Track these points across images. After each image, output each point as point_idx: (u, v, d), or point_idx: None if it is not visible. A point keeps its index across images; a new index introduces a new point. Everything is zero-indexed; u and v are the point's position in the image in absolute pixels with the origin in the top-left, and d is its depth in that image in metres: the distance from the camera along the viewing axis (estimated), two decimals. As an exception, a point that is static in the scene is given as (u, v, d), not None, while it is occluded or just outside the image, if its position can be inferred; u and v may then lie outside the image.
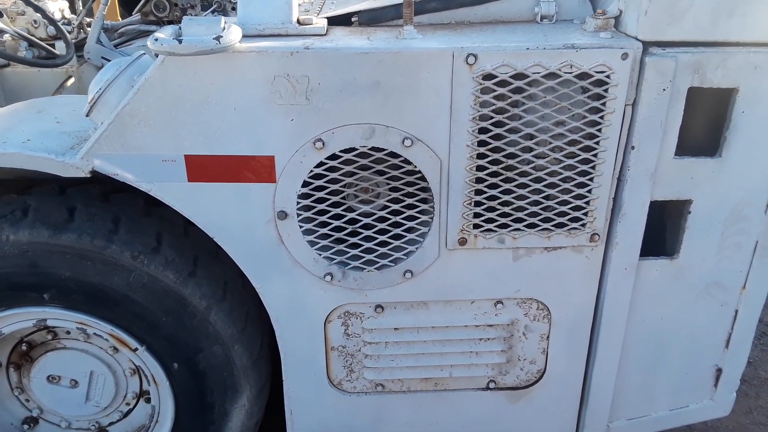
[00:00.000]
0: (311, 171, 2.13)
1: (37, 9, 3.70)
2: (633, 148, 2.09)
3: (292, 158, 2.09)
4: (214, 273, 2.39)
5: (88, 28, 4.11)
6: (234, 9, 4.21)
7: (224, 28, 1.89)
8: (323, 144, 2.07)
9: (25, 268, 2.17)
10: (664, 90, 2.00)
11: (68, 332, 2.43)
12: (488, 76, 2.00)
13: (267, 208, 2.18)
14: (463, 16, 2.31)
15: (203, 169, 2.10)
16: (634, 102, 2.05)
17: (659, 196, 2.20)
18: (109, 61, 3.22)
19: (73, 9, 4.44)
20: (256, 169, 2.11)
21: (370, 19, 2.30)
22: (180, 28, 1.91)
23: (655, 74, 1.98)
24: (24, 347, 2.46)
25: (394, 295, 2.37)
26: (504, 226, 2.25)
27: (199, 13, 4.21)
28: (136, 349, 2.36)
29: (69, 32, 3.88)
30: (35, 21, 3.83)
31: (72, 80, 3.89)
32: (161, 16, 4.14)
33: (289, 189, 2.14)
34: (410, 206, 2.25)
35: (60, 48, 3.81)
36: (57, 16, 3.92)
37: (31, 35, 3.78)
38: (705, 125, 2.16)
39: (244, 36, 1.98)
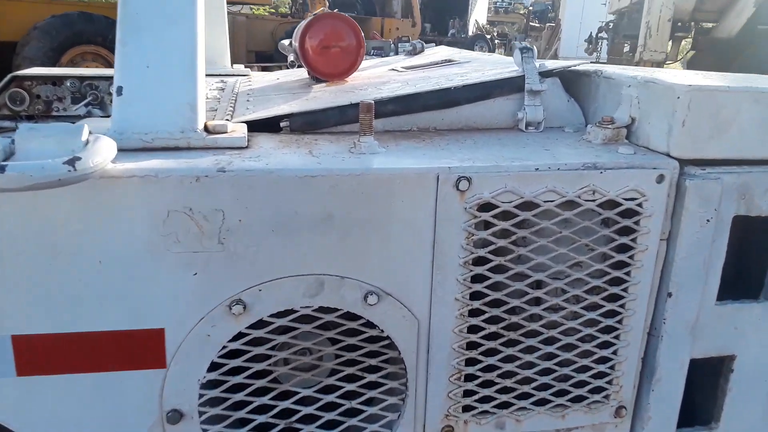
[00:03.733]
0: (224, 348, 1.38)
1: None
2: (670, 295, 1.56)
3: (194, 331, 1.35)
4: None
5: None
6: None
7: (86, 143, 1.17)
8: (244, 307, 1.35)
9: None
10: (708, 221, 1.50)
11: None
12: (485, 206, 1.42)
13: (150, 408, 1.39)
14: (428, 121, 1.76)
15: (43, 355, 1.29)
16: (670, 236, 1.53)
17: (699, 353, 1.66)
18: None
19: None
20: (134, 351, 1.34)
21: (306, 124, 1.67)
22: (12, 141, 1.17)
23: (697, 201, 1.49)
24: None
25: None
26: (505, 405, 1.60)
27: (68, 107, 3.39)
28: None
29: None
30: None
31: None
32: (18, 110, 3.28)
33: (188, 376, 1.38)
34: (371, 385, 1.55)
35: None
36: None
37: None
38: (745, 261, 1.69)
39: (121, 150, 1.27)
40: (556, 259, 1.51)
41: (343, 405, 1.53)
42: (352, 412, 1.62)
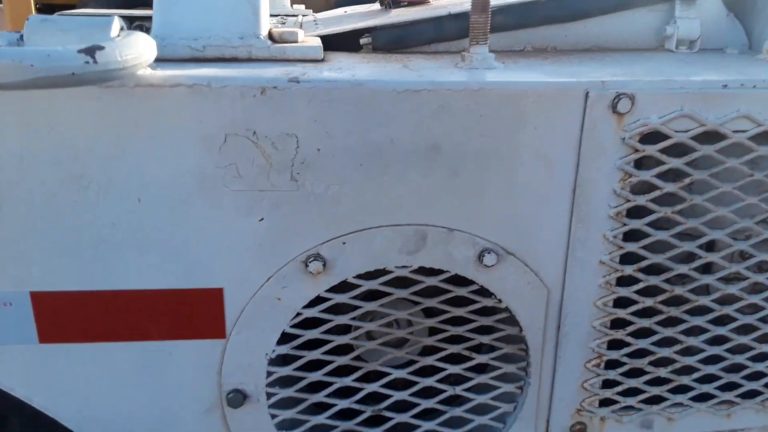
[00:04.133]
0: (297, 315, 1.08)
1: None
2: None
3: (261, 293, 1.05)
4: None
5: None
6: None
7: (116, 36, 0.87)
8: (323, 264, 1.03)
9: None
10: None
11: None
12: (650, 137, 1.02)
13: (206, 388, 1.11)
14: (546, 38, 1.34)
15: (71, 317, 1.03)
16: None
17: None
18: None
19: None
20: (185, 316, 1.06)
21: (394, 40, 1.30)
22: (20, 36, 0.88)
23: None
24: None
25: None
26: (655, 400, 1.23)
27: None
28: None
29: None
30: None
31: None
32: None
33: (253, 349, 1.09)
34: (481, 368, 1.22)
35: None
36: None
37: None
38: None
39: (161, 59, 0.96)
40: (740, 212, 1.10)
41: (444, 391, 1.21)
42: (456, 401, 1.30)
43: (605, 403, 1.23)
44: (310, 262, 1.03)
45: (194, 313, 1.05)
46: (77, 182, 0.95)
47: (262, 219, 1.00)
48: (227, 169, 0.96)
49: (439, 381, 1.20)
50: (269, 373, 1.12)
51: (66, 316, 1.02)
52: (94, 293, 1.02)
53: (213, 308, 1.05)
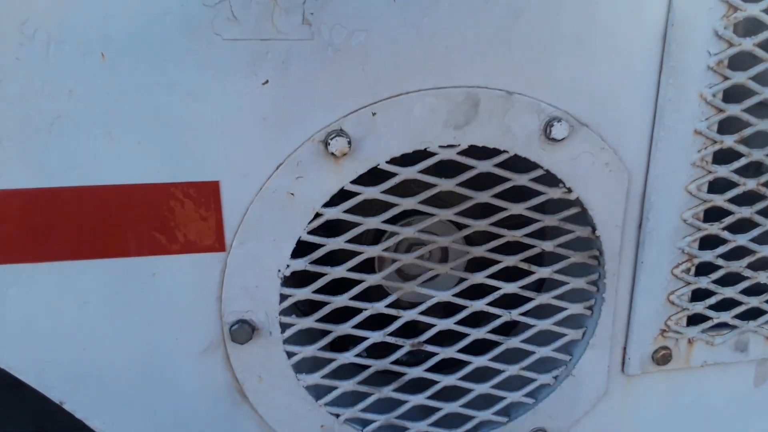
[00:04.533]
0: (316, 216, 0.84)
1: None
2: None
3: (269, 186, 0.81)
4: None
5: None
6: None
7: None
8: (349, 143, 0.79)
9: None
10: None
11: None
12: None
13: (202, 320, 0.87)
14: None
15: (19, 228, 0.78)
16: None
17: None
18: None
19: None
20: (170, 223, 0.81)
21: None
22: None
23: None
24: None
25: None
26: (755, 313, 1.01)
27: None
28: None
29: None
30: None
31: None
32: None
33: (261, 265, 0.85)
34: (539, 285, 0.99)
35: None
36: None
37: None
38: None
39: None
40: None
41: (497, 317, 0.98)
42: (512, 329, 1.07)
43: (694, 320, 1.01)
44: (331, 140, 0.79)
45: (183, 218, 0.81)
46: (19, 31, 0.70)
47: (267, 82, 0.76)
48: (218, 7, 0.72)
49: (491, 304, 0.97)
50: (283, 297, 0.88)
51: (13, 226, 0.77)
52: (48, 192, 0.77)
53: (207, 210, 0.81)
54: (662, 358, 1.01)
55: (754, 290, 1.00)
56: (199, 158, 0.78)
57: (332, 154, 0.79)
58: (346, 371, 1.02)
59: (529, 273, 0.96)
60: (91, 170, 0.77)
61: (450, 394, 1.02)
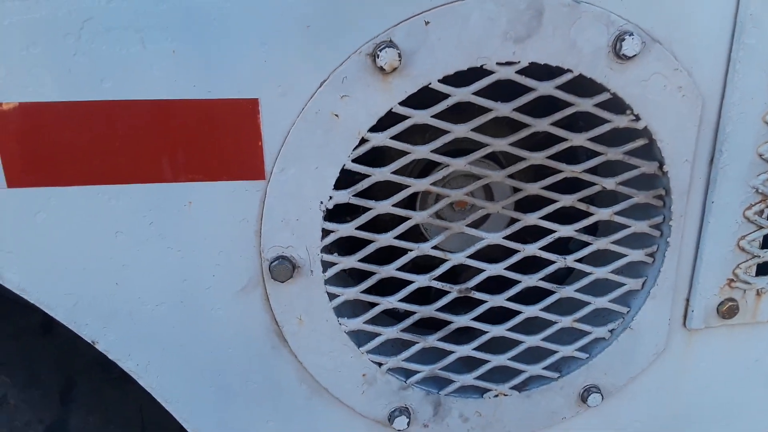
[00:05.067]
0: (362, 142, 0.78)
1: None
2: None
3: (311, 107, 0.75)
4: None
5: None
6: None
7: None
8: (399, 56, 0.73)
9: None
10: None
11: None
12: None
13: (239, 255, 0.81)
14: None
15: (47, 147, 0.73)
16: None
17: None
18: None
19: None
20: (205, 145, 0.76)
21: None
22: None
23: None
24: None
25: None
26: (832, 264, 0.93)
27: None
28: None
29: None
30: None
31: None
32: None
33: (303, 196, 0.79)
34: (595, 229, 0.92)
35: None
36: None
37: None
38: None
39: None
40: None
41: (550, 263, 0.91)
42: (566, 278, 1.00)
43: (764, 269, 0.93)
44: (380, 52, 0.72)
45: (219, 140, 0.75)
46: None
47: (313, -13, 0.70)
48: None
49: (544, 249, 0.90)
50: (325, 233, 0.82)
51: (39, 144, 0.72)
52: (77, 106, 0.72)
53: (245, 131, 0.75)
54: (728, 310, 0.93)
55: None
56: (236, 72, 0.73)
57: (381, 68, 0.73)
58: (389, 320, 0.96)
59: (587, 215, 0.89)
60: (123, 83, 0.71)
61: (498, 346, 0.95)
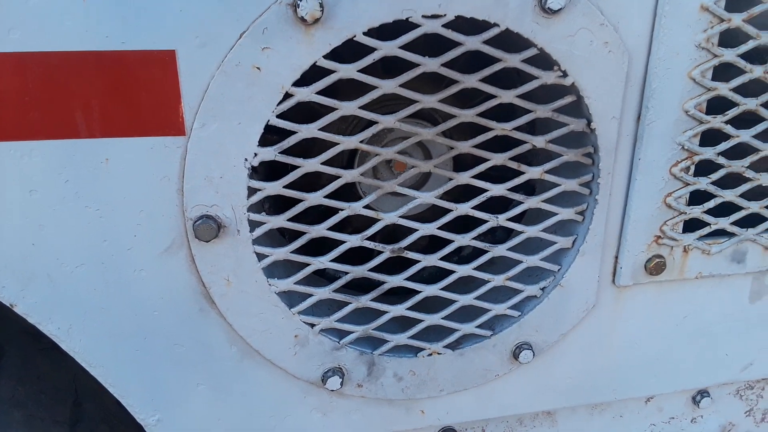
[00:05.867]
0: (287, 97, 0.76)
1: None
2: None
3: (230, 59, 0.72)
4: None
5: None
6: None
7: None
8: (321, 4, 0.71)
9: None
10: None
11: None
12: None
13: (162, 214, 0.79)
14: None
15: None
16: None
17: None
18: None
19: None
20: (121, 99, 0.72)
21: None
22: None
23: None
24: None
25: (485, 408, 1.02)
26: (756, 219, 0.96)
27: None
28: None
29: None
30: None
31: None
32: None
33: (226, 153, 0.77)
34: (529, 188, 0.93)
35: None
36: None
37: None
38: None
39: None
40: None
41: (483, 222, 0.91)
42: (497, 237, 1.01)
43: (691, 226, 0.95)
44: (301, 2, 0.70)
45: (135, 94, 0.72)
46: None
47: (228, -69, 0.67)
48: None
49: (476, 207, 0.90)
50: (251, 191, 0.80)
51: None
52: (-22, 56, 0.68)
53: (162, 85, 0.73)
54: (656, 267, 0.95)
55: (755, 194, 0.95)
56: (150, 22, 0.69)
57: (302, 19, 0.71)
58: (324, 282, 0.95)
59: (518, 174, 0.89)
60: (33, 34, 0.68)
61: (431, 305, 0.96)
